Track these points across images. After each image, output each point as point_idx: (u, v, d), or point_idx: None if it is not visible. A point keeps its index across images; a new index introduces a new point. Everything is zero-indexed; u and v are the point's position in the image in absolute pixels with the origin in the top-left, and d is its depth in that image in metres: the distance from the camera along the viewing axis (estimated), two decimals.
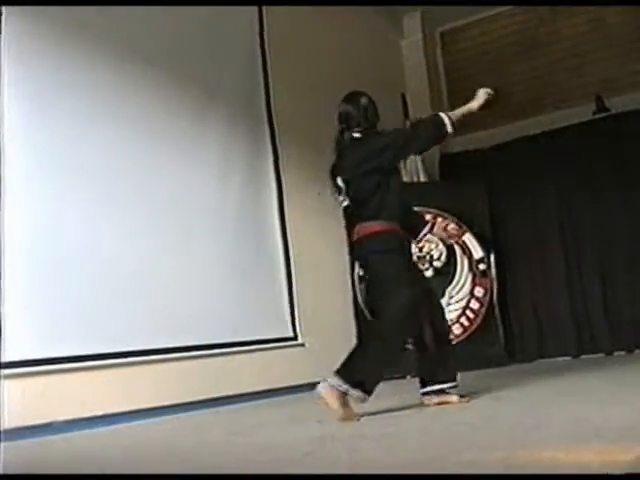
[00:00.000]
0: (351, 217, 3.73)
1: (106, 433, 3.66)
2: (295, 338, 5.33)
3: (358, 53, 6.71)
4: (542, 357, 6.51)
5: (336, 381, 3.22)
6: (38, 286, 3.85)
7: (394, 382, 5.49)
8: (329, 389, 3.23)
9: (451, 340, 3.85)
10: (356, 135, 3.60)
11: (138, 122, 4.58)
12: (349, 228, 4.10)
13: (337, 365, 3.29)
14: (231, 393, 4.60)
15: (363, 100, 3.66)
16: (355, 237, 3.59)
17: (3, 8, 3.84)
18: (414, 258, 4.26)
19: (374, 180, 3.49)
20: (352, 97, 3.71)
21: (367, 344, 3.58)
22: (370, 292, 3.85)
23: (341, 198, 3.62)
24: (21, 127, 3.92)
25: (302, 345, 5.32)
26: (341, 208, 3.72)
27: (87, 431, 3.67)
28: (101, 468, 2.51)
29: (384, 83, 7.05)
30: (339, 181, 3.61)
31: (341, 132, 3.64)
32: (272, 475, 1.97)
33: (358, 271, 6.06)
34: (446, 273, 6.29)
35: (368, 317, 5.82)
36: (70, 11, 4.20)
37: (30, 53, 4.04)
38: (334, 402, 3.21)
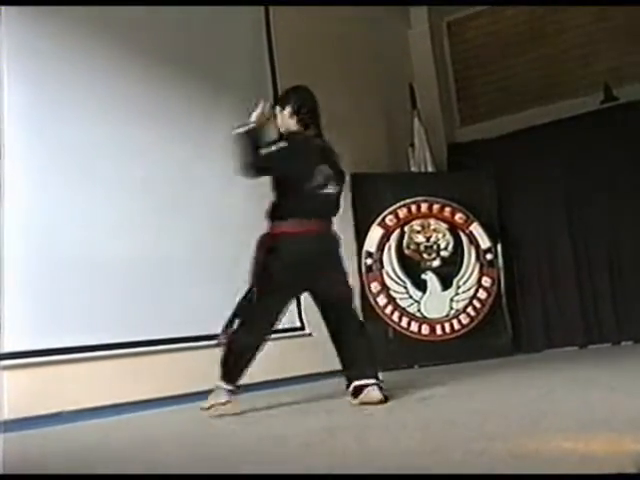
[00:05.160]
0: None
1: (114, 423, 3.67)
2: (302, 328, 5.33)
3: (365, 43, 6.69)
4: (549, 347, 6.51)
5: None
6: (44, 276, 3.86)
7: (400, 372, 5.51)
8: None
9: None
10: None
11: (143, 116, 4.57)
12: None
13: None
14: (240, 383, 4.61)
15: None
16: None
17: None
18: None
19: None
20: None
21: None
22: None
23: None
24: (23, 119, 3.93)
25: (310, 335, 5.32)
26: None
27: (95, 421, 3.69)
28: (108, 459, 2.52)
29: (392, 73, 7.04)
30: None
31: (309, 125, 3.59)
32: (273, 475, 1.97)
33: (365, 261, 6.09)
34: (453, 263, 6.29)
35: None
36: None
37: (32, 44, 4.04)
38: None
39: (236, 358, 3.47)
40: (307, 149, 3.53)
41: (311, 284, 3.55)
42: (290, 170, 3.46)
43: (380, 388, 3.35)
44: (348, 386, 3.44)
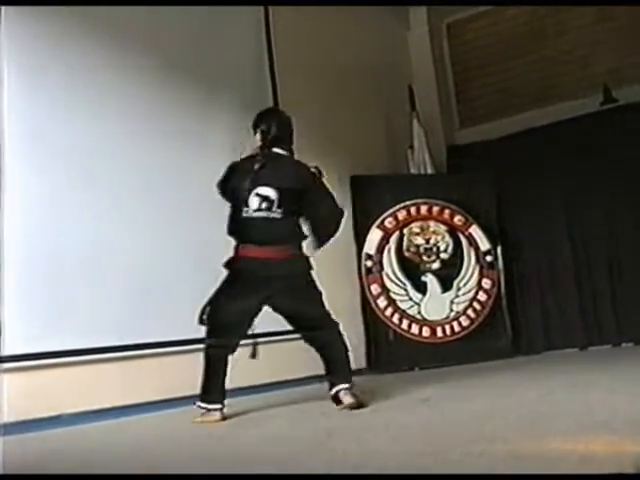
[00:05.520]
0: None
1: (115, 425, 3.67)
2: None
3: (365, 45, 6.69)
4: (549, 349, 6.50)
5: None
6: (45, 278, 3.86)
7: (401, 374, 5.51)
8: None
9: None
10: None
11: (141, 116, 4.55)
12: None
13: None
14: (239, 386, 4.60)
15: None
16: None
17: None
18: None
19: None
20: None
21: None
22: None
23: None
24: (22, 118, 3.92)
25: None
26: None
27: (96, 424, 3.68)
28: (109, 460, 2.52)
29: (391, 74, 7.04)
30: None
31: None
32: (273, 475, 1.97)
33: (365, 263, 6.09)
34: (453, 265, 6.29)
35: None
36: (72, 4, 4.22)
37: (32, 44, 4.04)
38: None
39: (210, 369, 3.42)
40: (247, 171, 3.53)
41: (274, 300, 3.52)
42: (226, 194, 3.63)
43: (349, 389, 3.43)
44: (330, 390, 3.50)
